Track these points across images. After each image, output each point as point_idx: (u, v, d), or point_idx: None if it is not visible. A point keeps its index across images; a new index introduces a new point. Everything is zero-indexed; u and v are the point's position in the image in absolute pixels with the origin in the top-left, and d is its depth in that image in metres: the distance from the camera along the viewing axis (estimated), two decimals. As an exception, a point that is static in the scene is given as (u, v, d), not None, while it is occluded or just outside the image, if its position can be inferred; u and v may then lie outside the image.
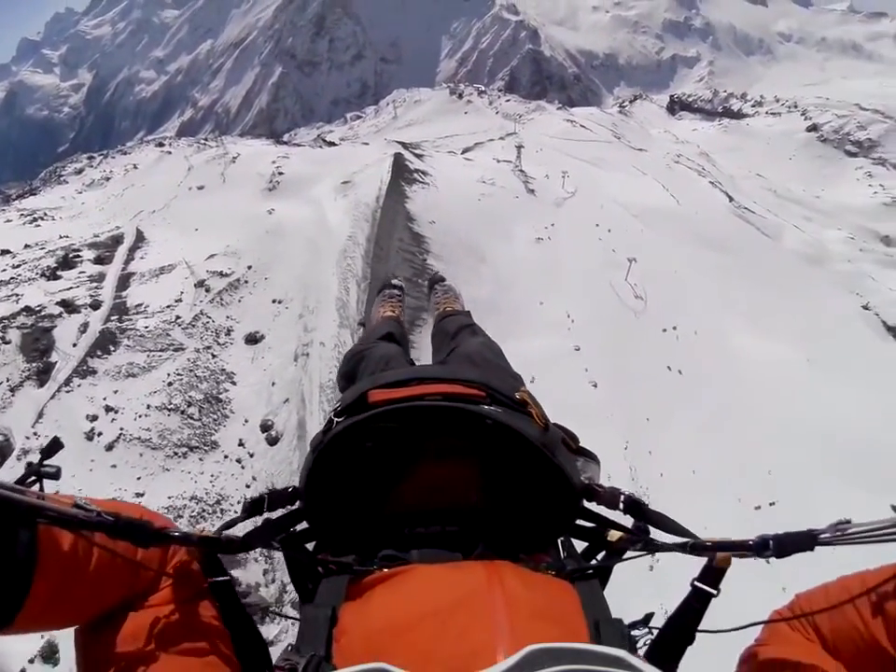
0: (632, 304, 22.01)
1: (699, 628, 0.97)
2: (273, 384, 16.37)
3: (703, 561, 1.00)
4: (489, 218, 23.55)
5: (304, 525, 1.23)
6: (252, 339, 17.80)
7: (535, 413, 1.26)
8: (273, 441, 15.82)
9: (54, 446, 0.95)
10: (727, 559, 0.96)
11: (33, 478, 0.86)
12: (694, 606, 0.97)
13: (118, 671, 0.81)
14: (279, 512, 1.19)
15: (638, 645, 0.92)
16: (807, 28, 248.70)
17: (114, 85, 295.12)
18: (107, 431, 15.72)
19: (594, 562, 1.20)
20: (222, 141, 39.01)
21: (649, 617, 1.00)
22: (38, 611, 0.76)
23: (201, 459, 15.30)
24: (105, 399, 16.43)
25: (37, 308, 19.26)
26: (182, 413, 16.37)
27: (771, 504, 14.80)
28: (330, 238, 20.15)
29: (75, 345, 18.09)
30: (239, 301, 19.05)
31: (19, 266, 22.72)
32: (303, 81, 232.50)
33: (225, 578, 0.96)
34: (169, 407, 16.38)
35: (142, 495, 13.91)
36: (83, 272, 22.14)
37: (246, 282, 19.59)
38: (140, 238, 25.02)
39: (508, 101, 62.82)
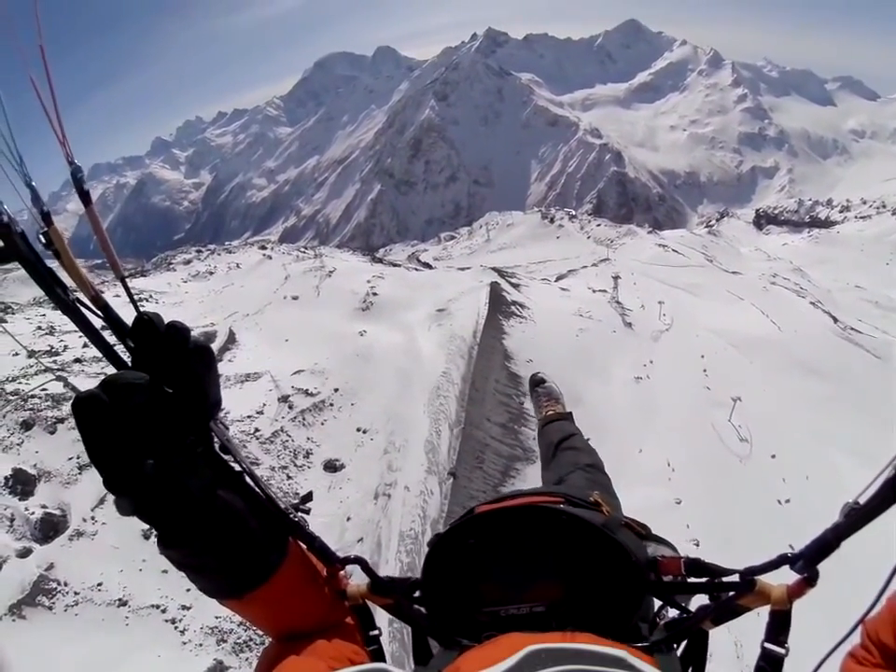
0: (736, 448, 19.95)
1: None
2: (349, 518, 14.93)
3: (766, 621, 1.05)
4: (587, 356, 22.42)
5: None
6: (331, 466, 16.72)
7: (604, 510, 1.50)
8: (339, 583, 14.27)
9: (309, 497, 1.39)
10: (782, 599, 1.03)
11: (291, 510, 1.21)
12: (767, 670, 1.02)
13: None
14: None
15: None
16: (878, 121, 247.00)
17: (229, 188, 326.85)
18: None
19: (671, 633, 1.26)
20: (320, 253, 40.53)
21: None
22: (270, 596, 1.08)
23: (259, 583, 13.82)
24: (169, 500, 15.54)
25: (122, 392, 19.11)
26: (245, 533, 15.21)
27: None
28: (422, 371, 19.28)
29: (152, 437, 17.60)
30: (322, 423, 18.16)
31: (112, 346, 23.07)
32: (400, 199, 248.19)
33: (377, 632, 1.30)
34: (233, 525, 15.28)
35: (188, 608, 12.53)
36: (173, 367, 22.19)
37: (331, 404, 18.76)
38: (231, 339, 25.21)
39: (598, 225, 62.93)
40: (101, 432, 0.85)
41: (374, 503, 15.29)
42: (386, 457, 16.53)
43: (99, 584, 11.11)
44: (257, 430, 18.59)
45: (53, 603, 11.33)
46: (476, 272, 30.98)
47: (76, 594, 11.37)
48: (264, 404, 19.75)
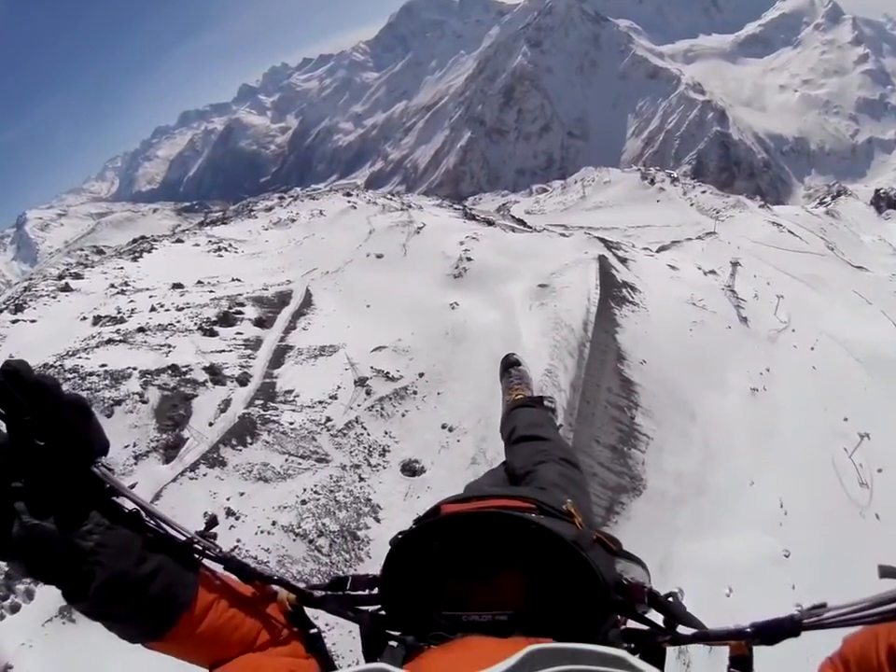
0: (855, 494, 17.14)
1: None
2: (425, 535, 12.78)
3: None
4: (701, 358, 19.40)
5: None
6: (410, 469, 14.58)
7: (577, 521, 1.43)
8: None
9: (214, 522, 1.37)
10: (740, 647, 1.04)
11: (197, 538, 1.14)
12: None
13: None
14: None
15: None
16: None
17: (315, 132, 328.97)
18: (222, 539, 13.01)
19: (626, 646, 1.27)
20: (408, 205, 38.23)
21: None
22: (192, 630, 1.06)
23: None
24: (228, 499, 13.71)
25: (184, 369, 17.54)
26: (310, 542, 13.31)
27: None
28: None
29: (211, 424, 15.95)
30: (402, 415, 15.97)
31: (181, 310, 21.81)
32: (490, 148, 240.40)
33: (316, 630, 1.23)
34: (297, 531, 13.37)
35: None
36: (240, 332, 20.61)
37: (415, 393, 16.48)
38: (308, 303, 23.41)
39: (703, 192, 56.77)
40: None
41: (456, 519, 13.13)
42: (473, 469, 14.12)
43: (156, 595, 10.13)
44: (328, 420, 16.67)
45: (106, 609, 10.55)
46: (579, 240, 27.73)
47: (130, 601, 10.53)
48: (338, 387, 17.79)
